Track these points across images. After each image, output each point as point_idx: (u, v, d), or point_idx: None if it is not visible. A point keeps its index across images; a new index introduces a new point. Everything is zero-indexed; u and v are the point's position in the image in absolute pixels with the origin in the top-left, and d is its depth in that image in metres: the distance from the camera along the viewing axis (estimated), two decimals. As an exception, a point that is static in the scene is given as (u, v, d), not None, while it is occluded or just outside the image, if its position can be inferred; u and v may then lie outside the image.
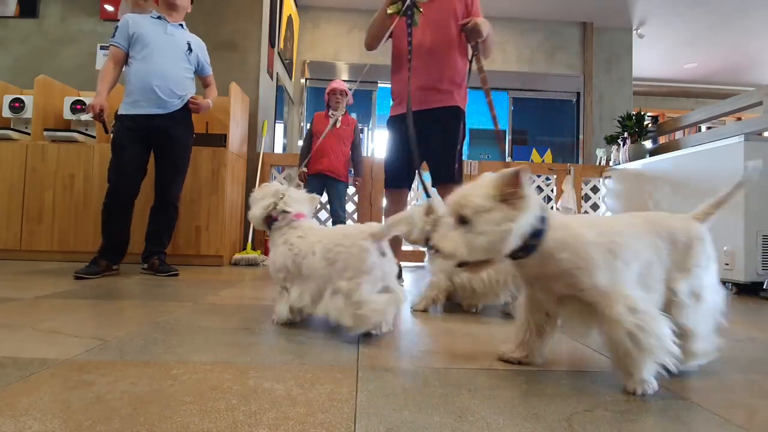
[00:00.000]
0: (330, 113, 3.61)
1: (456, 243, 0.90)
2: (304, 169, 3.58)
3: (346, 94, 3.61)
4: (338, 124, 3.57)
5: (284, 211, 1.49)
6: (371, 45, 2.25)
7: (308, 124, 3.78)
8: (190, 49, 2.65)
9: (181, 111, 2.60)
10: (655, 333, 0.87)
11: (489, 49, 2.18)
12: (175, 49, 2.58)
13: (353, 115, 3.80)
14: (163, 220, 2.67)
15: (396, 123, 2.27)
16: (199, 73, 2.76)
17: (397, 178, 2.31)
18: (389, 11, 2.09)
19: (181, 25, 2.67)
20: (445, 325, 1.52)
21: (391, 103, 2.36)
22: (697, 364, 1.03)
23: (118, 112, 2.54)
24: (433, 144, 2.17)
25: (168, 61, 2.54)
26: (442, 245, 0.92)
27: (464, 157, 2.64)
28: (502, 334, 1.44)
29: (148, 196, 2.76)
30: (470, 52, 2.17)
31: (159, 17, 2.58)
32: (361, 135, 3.88)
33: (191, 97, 2.63)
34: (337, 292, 1.26)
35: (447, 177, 2.22)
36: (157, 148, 2.60)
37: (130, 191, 2.52)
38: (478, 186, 0.91)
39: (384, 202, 3.52)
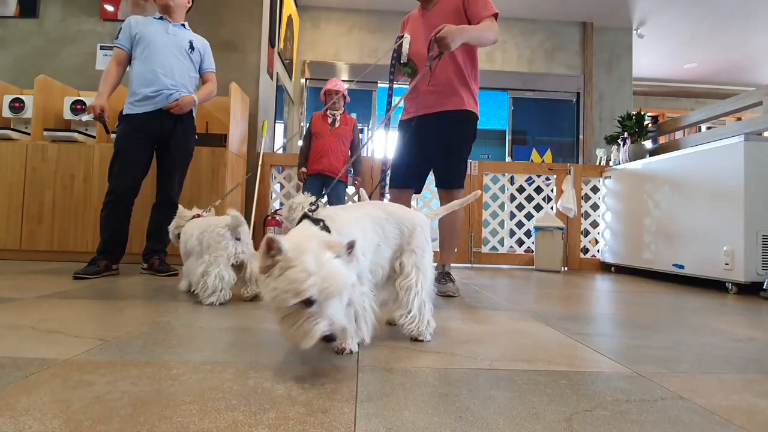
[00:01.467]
0: (328, 113, 3.61)
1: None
2: (304, 169, 3.58)
3: (342, 95, 3.61)
4: (337, 124, 3.58)
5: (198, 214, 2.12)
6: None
7: (308, 124, 3.79)
8: (192, 48, 2.65)
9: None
10: None
11: (482, 43, 2.13)
12: (177, 48, 2.58)
13: (353, 115, 3.80)
14: (164, 217, 2.67)
15: (405, 126, 2.31)
16: (199, 71, 2.75)
17: (402, 178, 2.33)
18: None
19: (183, 25, 2.67)
20: (444, 325, 1.52)
21: (403, 106, 2.37)
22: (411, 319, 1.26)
23: (123, 113, 2.55)
24: (439, 147, 2.19)
25: (171, 59, 2.55)
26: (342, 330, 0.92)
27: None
28: (502, 334, 1.44)
29: (147, 197, 2.76)
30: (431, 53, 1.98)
31: (161, 18, 2.59)
32: (360, 134, 3.88)
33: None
34: (203, 263, 1.77)
35: (451, 181, 2.24)
36: (160, 146, 2.61)
37: (130, 192, 2.53)
38: (338, 264, 0.93)
39: (385, 201, 3.52)
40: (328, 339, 0.88)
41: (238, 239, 1.81)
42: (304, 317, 0.88)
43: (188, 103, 2.58)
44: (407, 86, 2.17)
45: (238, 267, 1.85)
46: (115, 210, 2.50)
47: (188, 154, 2.73)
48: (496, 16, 2.06)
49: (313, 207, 1.16)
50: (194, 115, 2.76)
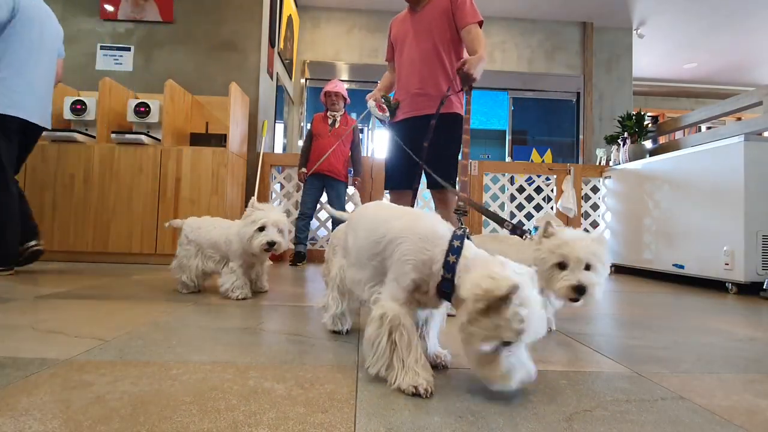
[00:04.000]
0: (328, 114, 3.61)
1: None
2: (304, 170, 3.59)
3: (342, 97, 3.61)
4: (337, 125, 3.58)
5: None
6: None
7: (308, 125, 3.79)
8: None
9: None
10: None
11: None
12: None
13: (353, 116, 3.80)
14: None
15: (395, 127, 2.31)
16: None
17: (397, 180, 2.34)
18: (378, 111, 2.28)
19: None
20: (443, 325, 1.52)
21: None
22: None
23: None
24: (429, 149, 2.19)
25: None
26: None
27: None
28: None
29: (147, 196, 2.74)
30: (456, 84, 2.11)
31: None
32: (360, 135, 3.88)
33: None
34: None
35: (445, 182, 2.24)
36: None
37: None
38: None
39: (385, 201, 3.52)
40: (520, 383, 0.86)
41: None
42: (502, 356, 0.84)
43: None
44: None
45: None
46: None
47: None
48: (481, 23, 2.09)
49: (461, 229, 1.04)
50: None
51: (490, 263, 0.88)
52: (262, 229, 1.84)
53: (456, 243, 0.95)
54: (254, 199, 1.94)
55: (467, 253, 0.93)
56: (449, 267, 0.92)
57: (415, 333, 0.97)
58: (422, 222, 1.03)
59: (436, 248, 0.96)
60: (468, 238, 0.98)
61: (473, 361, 0.87)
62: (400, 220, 1.06)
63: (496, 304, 0.80)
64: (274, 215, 1.87)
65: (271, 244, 1.81)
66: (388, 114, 2.19)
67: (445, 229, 1.00)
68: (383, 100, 2.23)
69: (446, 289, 0.92)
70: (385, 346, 0.93)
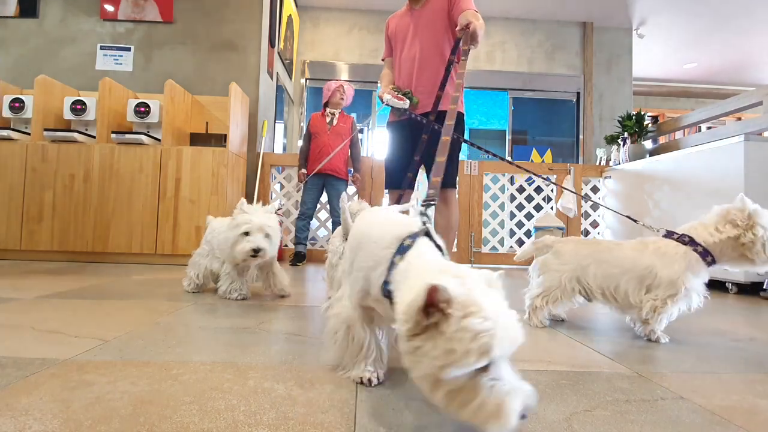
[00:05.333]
0: (326, 112, 3.61)
1: None
2: (304, 171, 3.59)
3: (345, 93, 3.62)
4: (335, 122, 3.58)
5: None
6: None
7: (306, 124, 3.79)
8: None
9: None
10: None
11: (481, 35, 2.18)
12: None
13: (352, 115, 3.81)
14: None
15: (395, 127, 2.31)
16: None
17: (397, 179, 2.34)
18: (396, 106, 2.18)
19: None
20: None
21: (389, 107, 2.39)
22: None
23: None
24: (427, 147, 2.19)
25: None
26: None
27: (464, 157, 2.65)
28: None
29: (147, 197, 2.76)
30: (454, 53, 2.07)
31: None
32: (360, 134, 3.88)
33: None
34: None
35: (445, 182, 2.24)
36: None
37: None
38: (508, 306, 0.69)
39: (386, 201, 3.53)
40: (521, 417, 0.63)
41: None
42: (484, 388, 0.61)
43: None
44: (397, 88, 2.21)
45: None
46: None
47: None
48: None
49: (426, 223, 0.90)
50: None
51: (426, 268, 0.74)
52: (248, 233, 1.70)
53: (407, 242, 0.83)
54: (243, 200, 1.84)
55: (412, 253, 0.80)
56: (390, 268, 0.81)
57: (365, 333, 0.94)
58: (377, 226, 0.95)
59: (386, 251, 0.84)
60: (427, 235, 0.86)
61: (446, 404, 0.64)
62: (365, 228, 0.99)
63: (425, 320, 0.63)
64: (258, 219, 1.72)
65: (256, 251, 1.68)
66: (407, 101, 2.17)
67: (401, 229, 0.87)
68: (397, 92, 2.21)
69: (386, 295, 0.81)
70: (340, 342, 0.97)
